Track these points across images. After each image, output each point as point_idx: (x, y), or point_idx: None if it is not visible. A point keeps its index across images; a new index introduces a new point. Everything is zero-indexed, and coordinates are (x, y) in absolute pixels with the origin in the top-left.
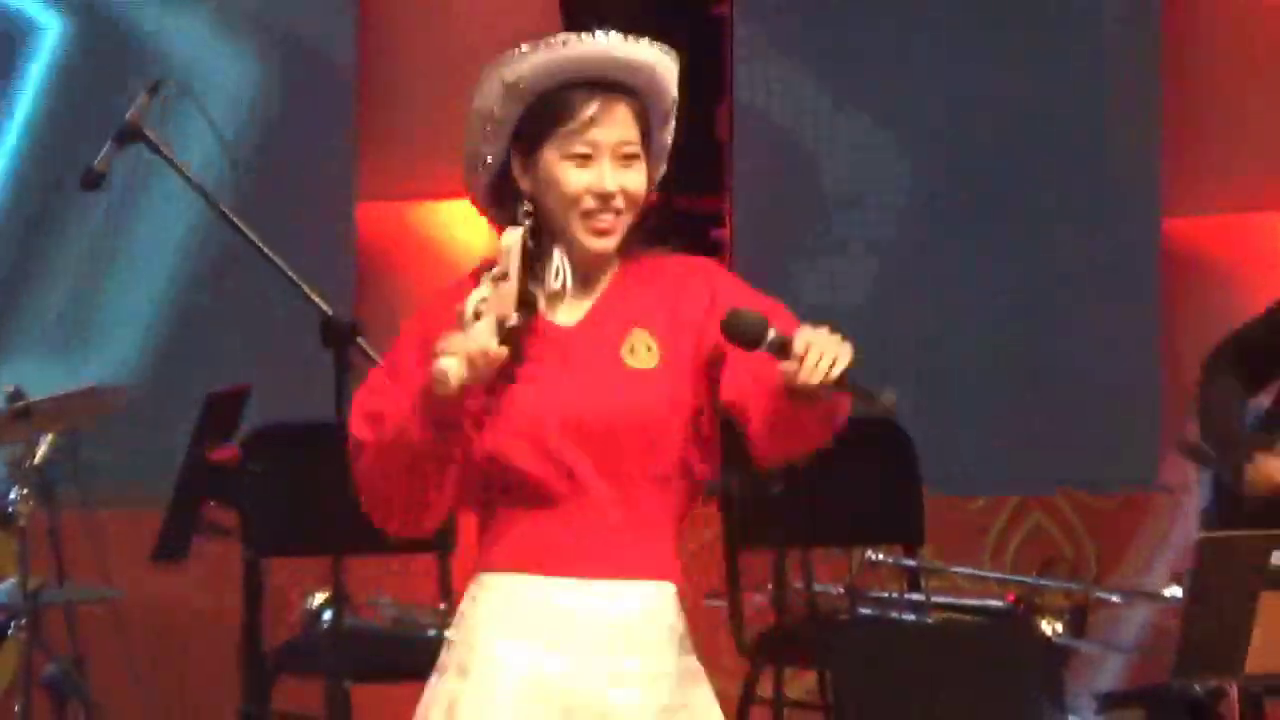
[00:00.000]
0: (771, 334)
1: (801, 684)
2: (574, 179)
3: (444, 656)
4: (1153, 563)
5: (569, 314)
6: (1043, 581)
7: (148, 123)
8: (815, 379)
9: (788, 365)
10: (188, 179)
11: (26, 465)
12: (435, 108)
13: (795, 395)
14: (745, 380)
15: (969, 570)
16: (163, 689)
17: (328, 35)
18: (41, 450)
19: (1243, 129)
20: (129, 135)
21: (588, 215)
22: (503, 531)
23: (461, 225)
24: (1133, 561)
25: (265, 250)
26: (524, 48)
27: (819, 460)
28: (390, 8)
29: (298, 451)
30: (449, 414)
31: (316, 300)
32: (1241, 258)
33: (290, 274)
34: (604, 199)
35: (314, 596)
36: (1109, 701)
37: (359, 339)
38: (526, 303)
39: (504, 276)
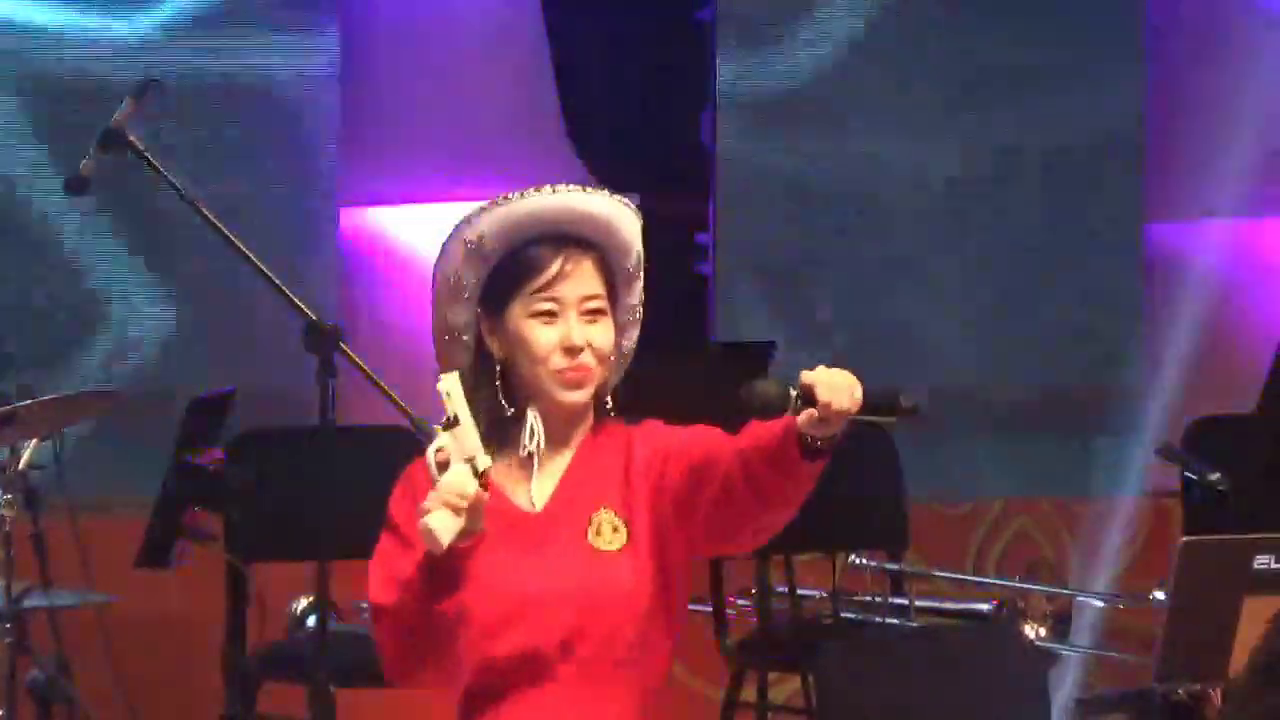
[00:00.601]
0: (793, 392)
1: (785, 689)
2: (541, 337)
3: None
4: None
5: (537, 488)
6: (1026, 586)
7: (132, 128)
8: (846, 405)
9: (812, 412)
10: (171, 183)
11: (11, 470)
12: (417, 112)
13: (812, 443)
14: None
15: (953, 575)
16: (147, 693)
17: (310, 40)
18: (26, 455)
19: (1226, 135)
20: (113, 140)
21: (560, 372)
22: (477, 710)
23: (445, 231)
24: (1108, 565)
25: (249, 255)
26: (482, 205)
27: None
28: (372, 13)
29: (282, 456)
30: (448, 573)
31: (300, 305)
32: (1226, 264)
33: (274, 279)
34: (572, 354)
35: (299, 601)
36: (1091, 706)
37: (342, 344)
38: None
39: (455, 421)
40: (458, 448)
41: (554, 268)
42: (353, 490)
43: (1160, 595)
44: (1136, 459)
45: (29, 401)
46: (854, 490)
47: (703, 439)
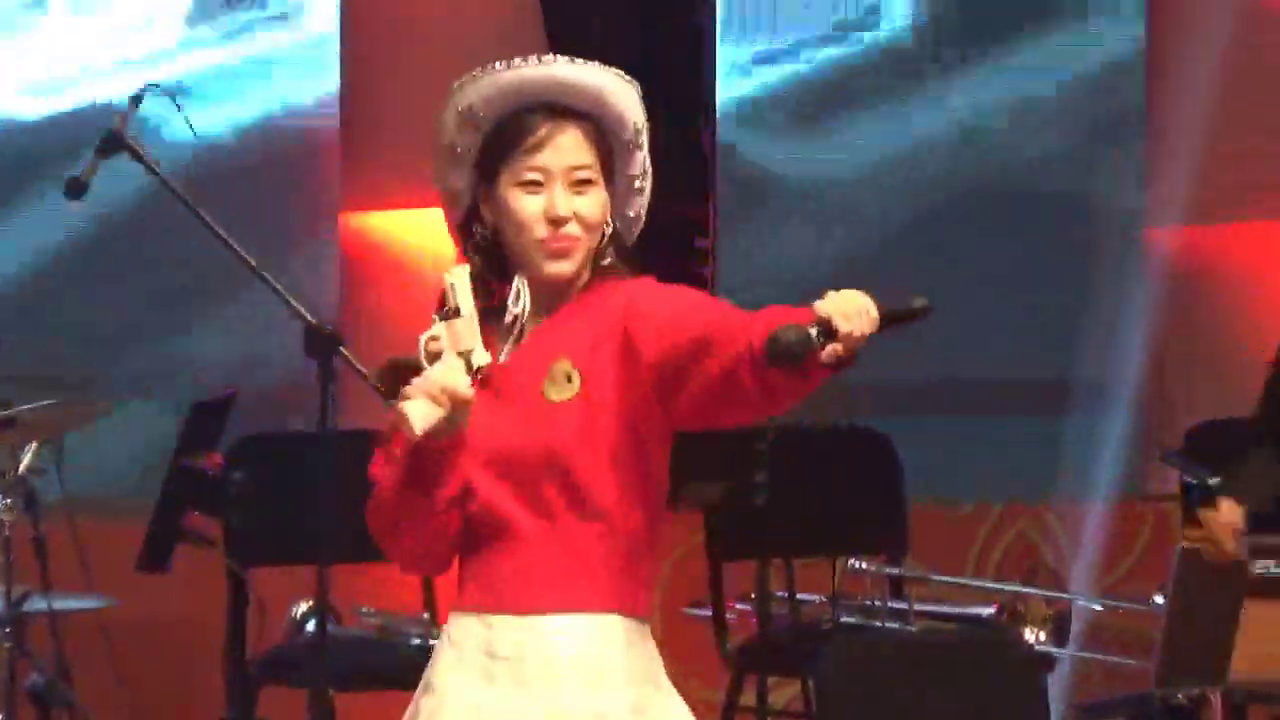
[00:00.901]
0: (814, 332)
1: (784, 693)
2: (526, 205)
3: (416, 694)
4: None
5: (511, 350)
6: (1026, 590)
7: (131, 132)
8: (866, 329)
9: (836, 347)
10: (172, 189)
11: (10, 474)
12: (418, 117)
13: (837, 362)
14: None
15: (952, 579)
16: (147, 698)
17: (312, 46)
18: (26, 459)
19: (1224, 140)
20: (113, 145)
21: (543, 241)
22: (461, 570)
23: (445, 234)
24: (1107, 569)
25: (249, 259)
26: (475, 72)
27: (802, 468)
28: (375, 18)
29: (282, 461)
30: (425, 460)
31: (300, 310)
32: (1228, 268)
33: (274, 283)
34: (556, 224)
35: (298, 605)
36: (1090, 711)
37: (342, 348)
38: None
39: (455, 313)
40: (453, 340)
41: (539, 135)
42: (352, 495)
43: (1160, 599)
44: (1136, 463)
45: (29, 405)
46: (854, 495)
47: (706, 311)
